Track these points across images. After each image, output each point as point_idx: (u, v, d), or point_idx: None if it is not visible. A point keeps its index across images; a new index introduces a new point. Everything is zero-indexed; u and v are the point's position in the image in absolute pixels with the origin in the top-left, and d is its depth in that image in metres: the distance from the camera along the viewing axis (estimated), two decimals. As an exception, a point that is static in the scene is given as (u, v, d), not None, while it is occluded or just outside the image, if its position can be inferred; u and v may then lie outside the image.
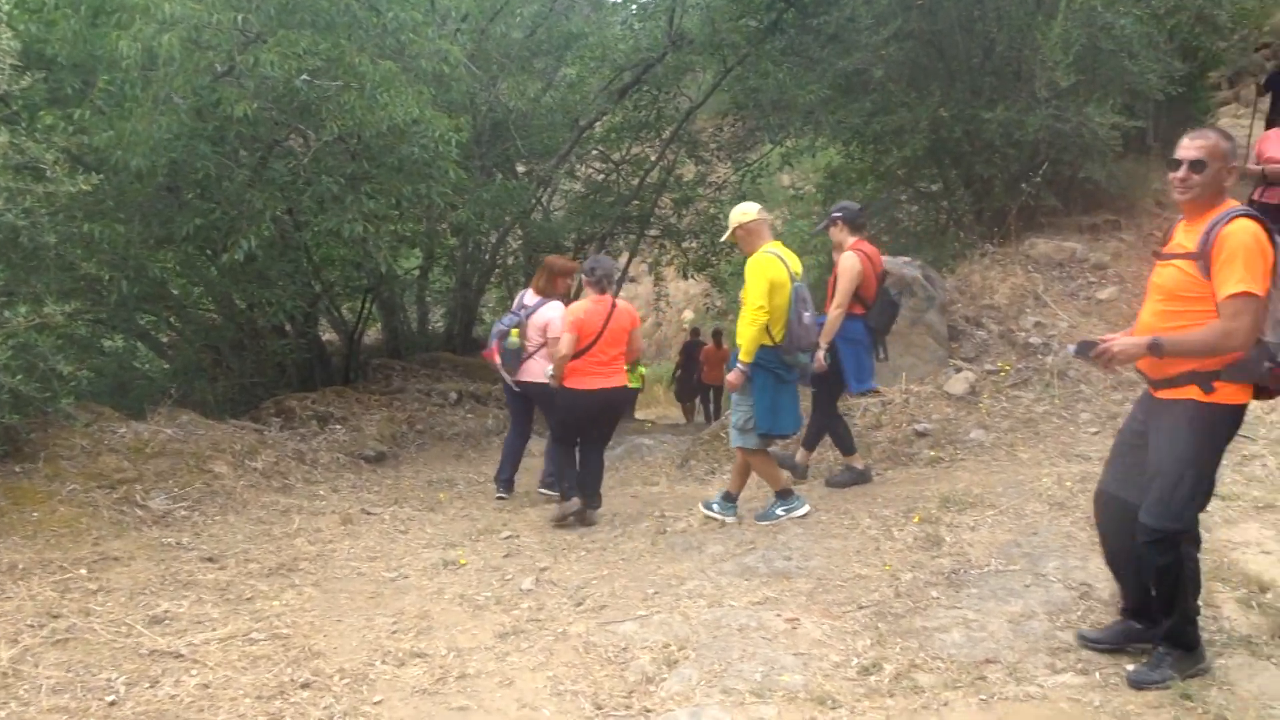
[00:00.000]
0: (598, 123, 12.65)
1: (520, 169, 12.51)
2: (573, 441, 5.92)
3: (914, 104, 8.68)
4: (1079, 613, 3.91)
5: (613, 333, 5.69)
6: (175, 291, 8.71)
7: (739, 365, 5.20)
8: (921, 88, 8.95)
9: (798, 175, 14.91)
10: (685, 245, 13.96)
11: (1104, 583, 4.12)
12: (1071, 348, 3.51)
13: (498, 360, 6.36)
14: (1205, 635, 3.64)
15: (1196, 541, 3.38)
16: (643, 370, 14.63)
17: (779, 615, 4.05)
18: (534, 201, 12.57)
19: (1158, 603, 3.41)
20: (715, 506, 5.55)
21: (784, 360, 5.25)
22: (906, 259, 7.38)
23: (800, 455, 6.24)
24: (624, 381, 5.84)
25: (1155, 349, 3.16)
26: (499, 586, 4.77)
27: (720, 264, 13.69)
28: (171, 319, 9.14)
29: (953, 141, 8.80)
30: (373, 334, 13.61)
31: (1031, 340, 7.00)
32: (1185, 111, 12.05)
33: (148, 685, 3.50)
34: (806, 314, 5.21)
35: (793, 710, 3.29)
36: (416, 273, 12.53)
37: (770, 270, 5.14)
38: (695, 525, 5.52)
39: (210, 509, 5.88)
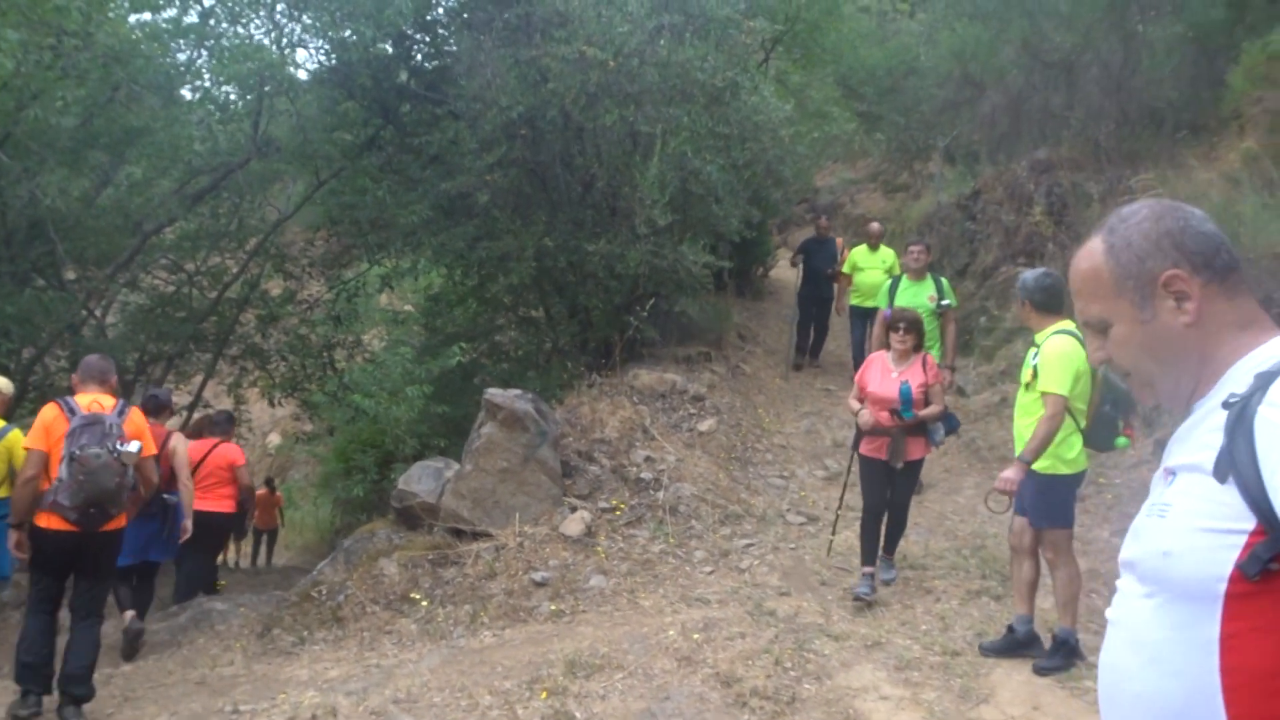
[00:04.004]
0: (168, 229, 11.17)
1: (71, 276, 10.62)
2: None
3: (519, 231, 8.56)
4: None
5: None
6: None
7: None
8: (526, 216, 8.88)
9: (397, 296, 14.31)
10: (271, 366, 12.66)
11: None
12: None
13: None
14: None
15: None
16: None
17: None
18: (84, 315, 10.71)
19: None
20: None
21: None
22: (518, 391, 7.03)
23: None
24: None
25: None
26: None
27: (313, 387, 12.53)
28: None
29: (558, 271, 8.77)
30: None
31: (643, 476, 6.92)
32: (753, 253, 13.33)
33: None
34: None
35: None
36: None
37: None
38: (279, 722, 4.54)
39: None
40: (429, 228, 8.99)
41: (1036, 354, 4.68)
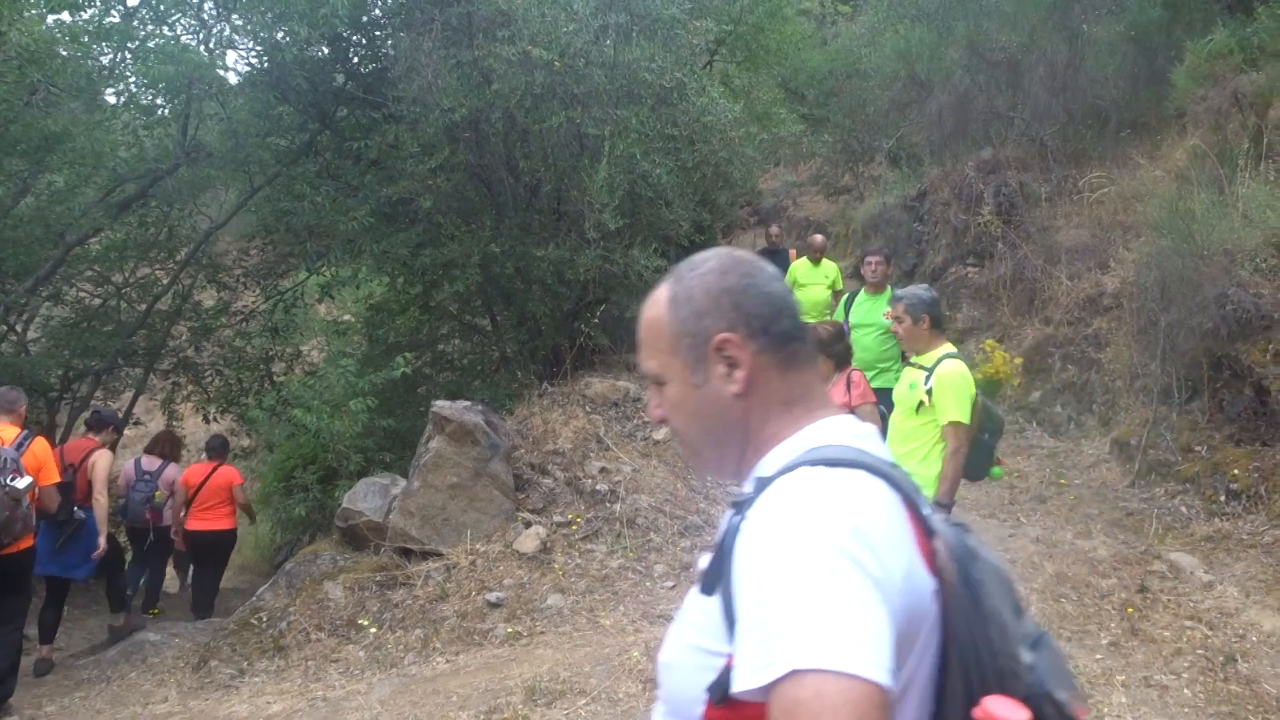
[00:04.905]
0: (93, 239, 10.67)
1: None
2: None
3: (464, 237, 8.29)
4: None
5: None
6: None
7: None
8: (471, 221, 8.62)
9: (335, 305, 13.89)
10: (205, 380, 12.19)
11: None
12: None
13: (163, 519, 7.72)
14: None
15: None
16: None
17: None
18: (3, 330, 10.20)
19: None
20: None
21: None
22: (467, 403, 6.78)
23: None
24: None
25: None
26: None
27: (251, 401, 12.05)
28: None
29: (504, 278, 8.52)
30: None
31: (599, 487, 6.69)
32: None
33: None
34: None
35: None
36: None
37: None
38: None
39: None
40: (370, 235, 8.66)
41: (928, 378, 4.26)
